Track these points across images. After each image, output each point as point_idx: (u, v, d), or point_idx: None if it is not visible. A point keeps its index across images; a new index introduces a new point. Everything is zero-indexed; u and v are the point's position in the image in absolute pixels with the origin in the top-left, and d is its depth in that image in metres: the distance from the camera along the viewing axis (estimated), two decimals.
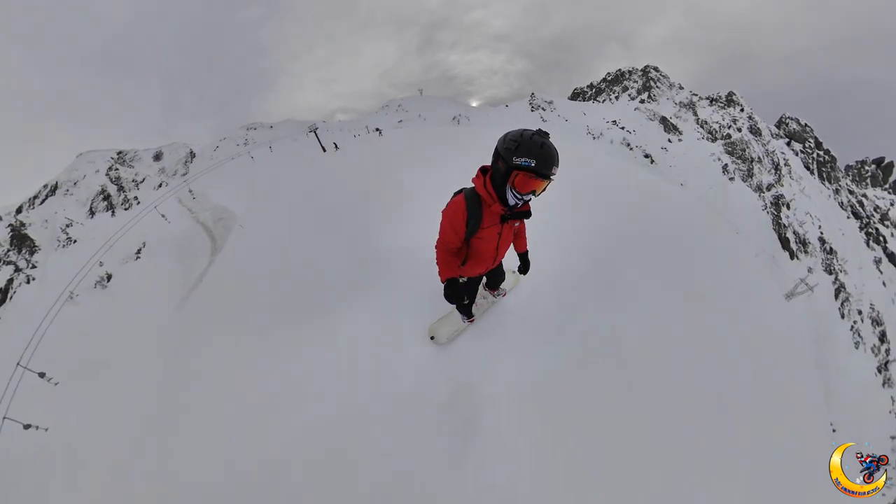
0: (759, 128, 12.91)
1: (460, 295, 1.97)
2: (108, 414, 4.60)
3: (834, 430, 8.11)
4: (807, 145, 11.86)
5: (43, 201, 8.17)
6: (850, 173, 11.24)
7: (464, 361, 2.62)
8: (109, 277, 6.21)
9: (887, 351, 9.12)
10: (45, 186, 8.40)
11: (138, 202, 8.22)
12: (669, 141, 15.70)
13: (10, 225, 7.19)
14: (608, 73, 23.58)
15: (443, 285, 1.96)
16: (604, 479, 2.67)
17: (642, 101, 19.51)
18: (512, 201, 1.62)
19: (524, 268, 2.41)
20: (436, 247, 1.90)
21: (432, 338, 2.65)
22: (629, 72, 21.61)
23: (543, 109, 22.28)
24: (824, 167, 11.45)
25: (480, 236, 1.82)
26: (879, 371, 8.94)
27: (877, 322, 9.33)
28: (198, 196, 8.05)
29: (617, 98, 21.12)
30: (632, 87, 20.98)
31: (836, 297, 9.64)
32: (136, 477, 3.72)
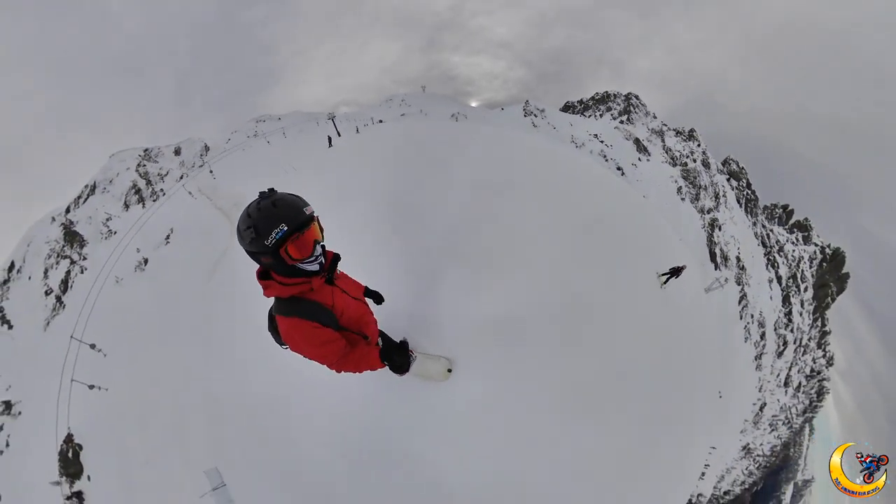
0: (709, 162, 15.15)
1: (400, 350, 1.79)
2: (159, 371, 5.33)
3: (721, 396, 10.34)
4: (740, 184, 14.30)
5: (85, 200, 8.76)
6: (765, 212, 13.88)
7: None
8: (146, 261, 7.03)
9: (763, 346, 11.74)
10: (86, 187, 9.04)
11: (164, 193, 8.92)
12: (639, 159, 17.65)
13: (63, 224, 7.84)
14: (596, 92, 25.26)
15: (390, 363, 1.72)
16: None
17: (621, 122, 21.42)
18: (315, 266, 1.34)
19: (378, 299, 2.06)
20: (336, 370, 1.55)
21: (449, 371, 3.02)
22: (614, 95, 23.43)
23: (535, 116, 23.35)
24: (749, 203, 13.94)
25: (342, 312, 1.53)
26: (755, 359, 11.51)
27: (761, 325, 11.88)
28: (215, 184, 8.97)
29: (601, 116, 22.96)
30: (614, 109, 22.86)
31: (739, 302, 12.04)
32: (188, 409, 4.43)
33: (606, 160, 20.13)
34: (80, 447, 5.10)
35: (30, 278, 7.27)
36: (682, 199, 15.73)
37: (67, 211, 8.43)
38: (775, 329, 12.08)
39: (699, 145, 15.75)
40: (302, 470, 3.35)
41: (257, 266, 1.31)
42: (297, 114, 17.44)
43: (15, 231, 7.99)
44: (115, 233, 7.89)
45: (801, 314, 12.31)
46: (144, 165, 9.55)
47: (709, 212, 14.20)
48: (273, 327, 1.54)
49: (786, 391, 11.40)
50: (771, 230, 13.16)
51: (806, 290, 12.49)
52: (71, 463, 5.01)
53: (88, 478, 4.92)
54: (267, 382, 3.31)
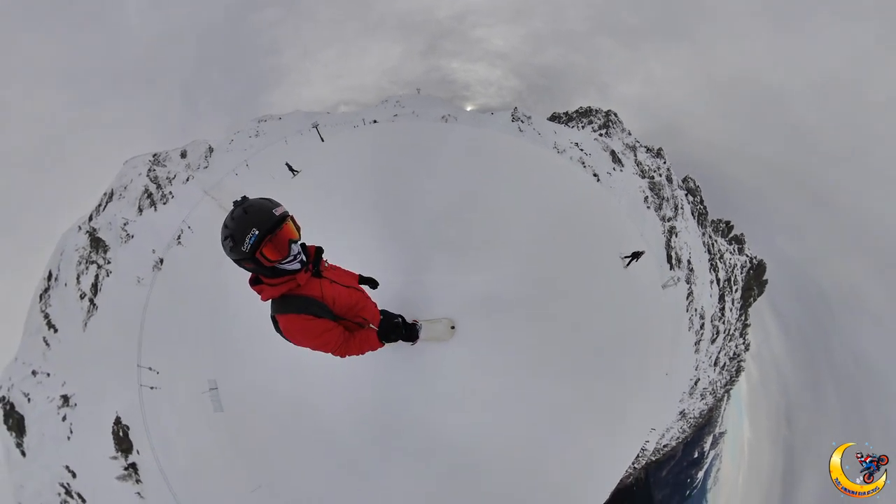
0: (672, 178, 17.22)
1: (396, 330, 1.84)
2: (180, 355, 5.90)
3: (667, 375, 12.19)
4: (695, 199, 16.52)
5: (105, 207, 8.96)
6: (712, 225, 16.25)
7: None
8: (162, 261, 7.47)
9: (702, 334, 14.00)
10: (105, 194, 9.29)
11: (173, 196, 9.12)
12: (614, 169, 19.42)
13: (88, 231, 8.16)
14: (580, 106, 26.85)
15: (388, 342, 1.77)
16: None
17: (600, 135, 23.18)
18: (295, 264, 1.35)
19: (373, 284, 2.13)
20: (340, 355, 1.58)
21: (453, 328, 3.15)
22: (596, 110, 25.15)
23: (522, 122, 24.34)
24: (701, 216, 16.17)
25: (333, 301, 1.52)
26: (695, 344, 13.71)
27: (701, 317, 14.09)
28: (221, 184, 9.29)
29: (583, 127, 24.63)
30: (595, 122, 24.58)
31: (687, 298, 14.13)
32: (201, 378, 5.10)
33: (585, 166, 21.84)
34: (128, 427, 5.82)
35: (66, 285, 7.53)
36: (648, 207, 17.78)
37: (90, 219, 8.51)
38: (711, 321, 14.39)
39: (665, 162, 17.84)
40: (332, 438, 3.95)
41: (249, 275, 1.33)
42: (298, 113, 16.66)
43: (51, 240, 8.21)
44: (133, 236, 8.03)
45: (730, 310, 14.81)
46: (154, 170, 9.54)
47: (668, 220, 16.28)
48: (277, 329, 1.50)
49: (714, 369, 13.86)
50: (715, 240, 15.50)
51: (736, 291, 15.01)
52: (122, 441, 5.76)
53: (137, 451, 5.65)
54: (287, 362, 3.74)
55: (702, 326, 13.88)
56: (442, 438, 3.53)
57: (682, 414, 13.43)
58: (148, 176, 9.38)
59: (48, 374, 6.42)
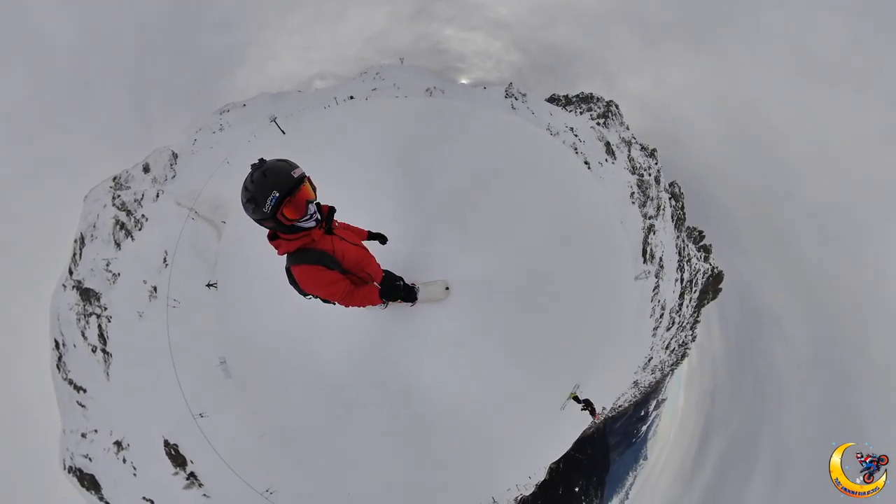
0: (660, 180, 18.06)
1: (395, 290, 1.93)
2: (192, 364, 6.46)
3: (627, 352, 13.51)
4: (677, 204, 17.58)
5: (81, 255, 8.44)
6: (687, 231, 17.54)
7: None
8: (155, 289, 7.48)
9: (660, 322, 15.65)
10: (75, 241, 8.59)
11: (147, 219, 8.58)
12: (606, 160, 19.95)
13: (73, 286, 7.87)
14: (582, 91, 26.52)
15: (388, 300, 1.84)
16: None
17: (598, 124, 23.36)
18: (311, 223, 1.46)
19: (382, 240, 2.22)
20: (345, 304, 1.69)
21: (447, 289, 3.42)
22: (598, 98, 25.01)
23: (516, 98, 23.68)
24: (679, 221, 17.32)
25: (342, 256, 1.65)
26: (653, 330, 15.34)
27: (662, 308, 15.60)
28: (194, 194, 8.50)
29: (581, 113, 24.60)
30: (594, 110, 24.59)
31: (653, 290, 15.48)
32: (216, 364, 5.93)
33: (577, 153, 22.22)
34: (177, 445, 6.41)
35: (74, 346, 7.45)
36: (633, 202, 18.69)
37: (71, 273, 7.98)
38: (670, 313, 16.01)
39: (657, 163, 18.61)
40: (325, 376, 4.55)
41: (266, 231, 1.46)
42: (264, 96, 14.56)
43: (42, 312, 7.49)
44: (119, 274, 7.78)
45: (687, 307, 16.52)
46: (119, 196, 8.64)
47: (650, 218, 17.32)
48: (291, 280, 1.66)
49: (665, 352, 15.79)
50: (687, 245, 16.86)
51: (695, 292, 16.68)
52: (176, 458, 6.35)
53: (191, 461, 6.28)
54: (296, 324, 4.44)
55: (661, 316, 15.47)
56: (416, 388, 4.19)
57: (636, 383, 15.61)
58: (114, 205, 8.50)
59: (95, 431, 6.79)
